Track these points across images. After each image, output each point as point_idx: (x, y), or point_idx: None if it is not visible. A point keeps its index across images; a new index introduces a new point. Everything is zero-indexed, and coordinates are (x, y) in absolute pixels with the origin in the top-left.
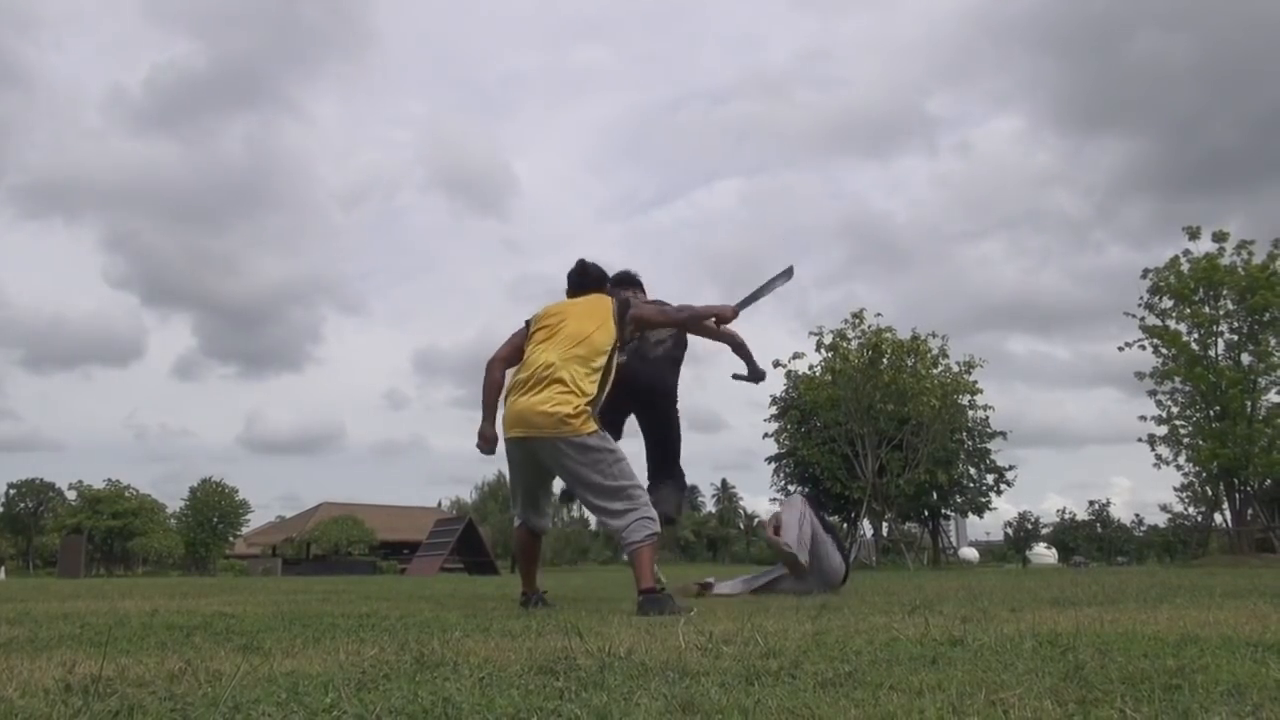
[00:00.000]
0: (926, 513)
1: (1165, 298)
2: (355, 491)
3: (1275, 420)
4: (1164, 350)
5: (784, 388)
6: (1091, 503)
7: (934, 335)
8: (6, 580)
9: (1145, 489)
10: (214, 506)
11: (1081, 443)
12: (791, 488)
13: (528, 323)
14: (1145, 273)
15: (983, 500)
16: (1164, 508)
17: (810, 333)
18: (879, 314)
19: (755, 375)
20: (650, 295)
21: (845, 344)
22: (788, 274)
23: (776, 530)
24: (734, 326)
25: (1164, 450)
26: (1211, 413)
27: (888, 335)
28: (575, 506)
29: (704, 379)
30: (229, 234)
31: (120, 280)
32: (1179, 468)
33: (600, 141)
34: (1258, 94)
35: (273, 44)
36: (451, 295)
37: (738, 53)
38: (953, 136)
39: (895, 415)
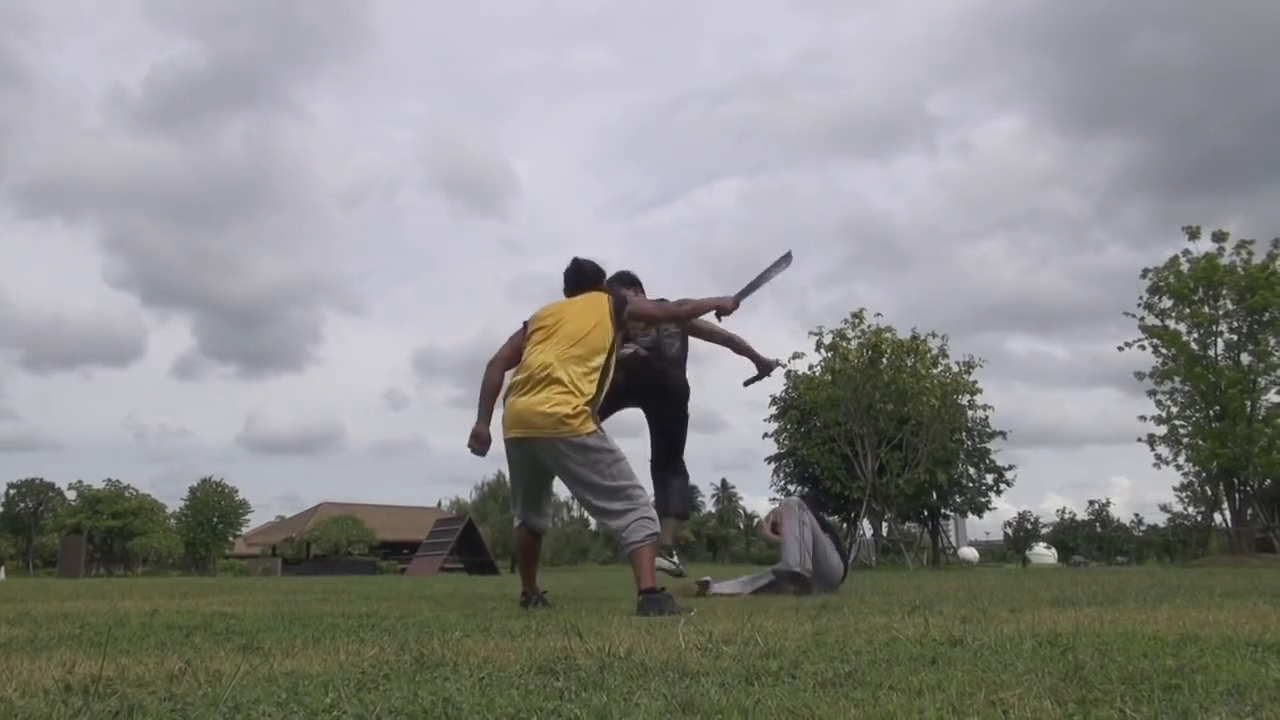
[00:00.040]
0: (926, 513)
1: (1165, 297)
2: (355, 491)
3: (1275, 420)
4: (1164, 350)
5: (784, 388)
6: (1091, 502)
7: (934, 335)
8: (6, 580)
9: (1145, 489)
10: (214, 506)
11: (1081, 443)
12: (791, 488)
13: (525, 324)
14: (1145, 272)
15: (982, 500)
16: (1164, 507)
17: (810, 333)
18: (879, 314)
19: (764, 367)
20: (650, 295)
21: (845, 344)
22: (786, 260)
23: (774, 528)
24: (733, 325)
25: (1164, 450)
26: (1211, 412)
27: (887, 335)
28: (576, 507)
29: (704, 379)
30: (229, 234)
31: (120, 280)
32: (1179, 468)
33: (600, 141)
34: (1258, 94)
35: (272, 44)
36: (451, 295)
37: (737, 53)
38: (953, 136)
39: (895, 415)
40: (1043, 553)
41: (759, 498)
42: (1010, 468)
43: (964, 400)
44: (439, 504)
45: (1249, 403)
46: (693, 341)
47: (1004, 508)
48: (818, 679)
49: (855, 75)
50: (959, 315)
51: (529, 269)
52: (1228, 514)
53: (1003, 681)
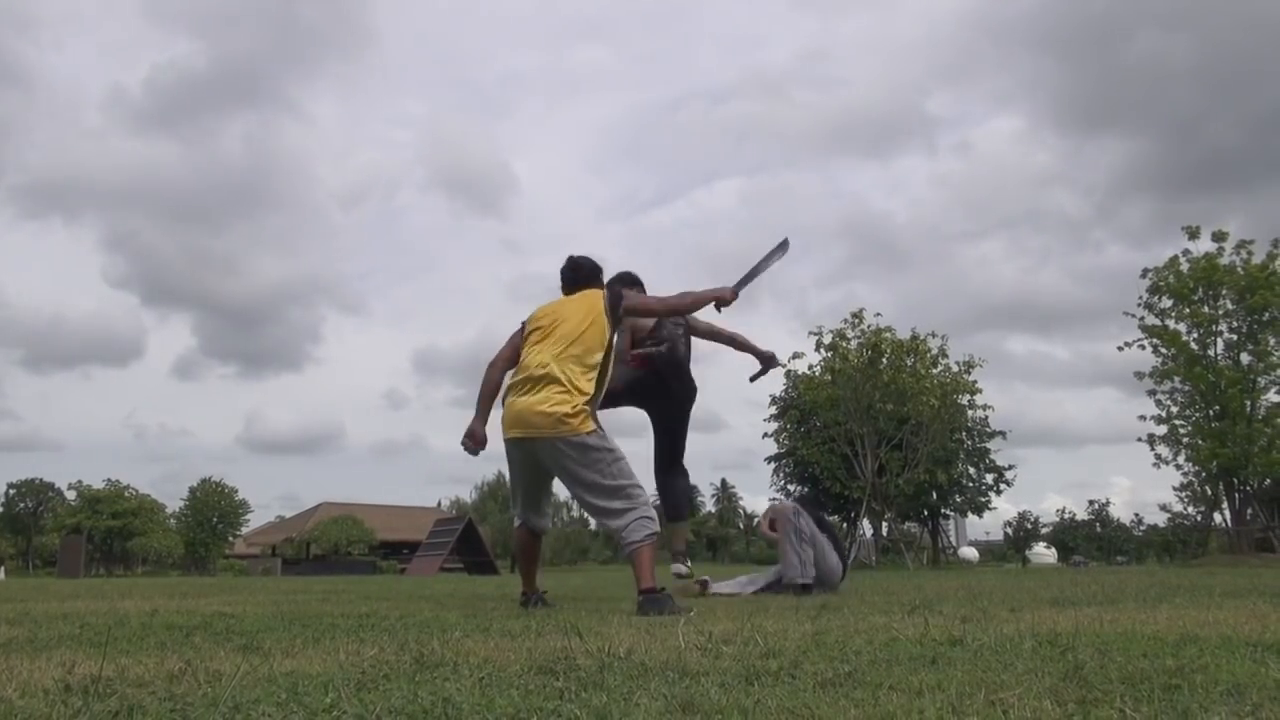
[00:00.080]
0: (926, 512)
1: (1165, 297)
2: (355, 491)
3: (1274, 420)
4: (1163, 350)
5: (784, 387)
6: (1091, 502)
7: (934, 335)
8: (6, 580)
9: (1145, 489)
10: (213, 506)
11: (1081, 442)
12: (791, 488)
13: (524, 324)
14: (1145, 272)
15: (982, 500)
16: (1163, 507)
17: (810, 332)
18: (879, 314)
19: (767, 361)
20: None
21: (845, 344)
22: (783, 248)
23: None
24: (734, 325)
25: (1163, 450)
26: (1211, 412)
27: (887, 335)
28: (575, 507)
29: (703, 378)
30: (229, 234)
31: (120, 280)
32: (1178, 467)
33: (600, 141)
34: (1258, 94)
35: (272, 44)
36: (451, 295)
37: (737, 53)
38: (953, 136)
39: (895, 415)
40: (1042, 552)
41: (759, 498)
42: (1010, 468)
43: (964, 400)
44: (439, 504)
45: (1249, 402)
46: (694, 341)
47: (1004, 508)
48: (818, 679)
49: (855, 75)
50: (959, 315)
51: (529, 269)
52: (1227, 514)
53: (1003, 681)
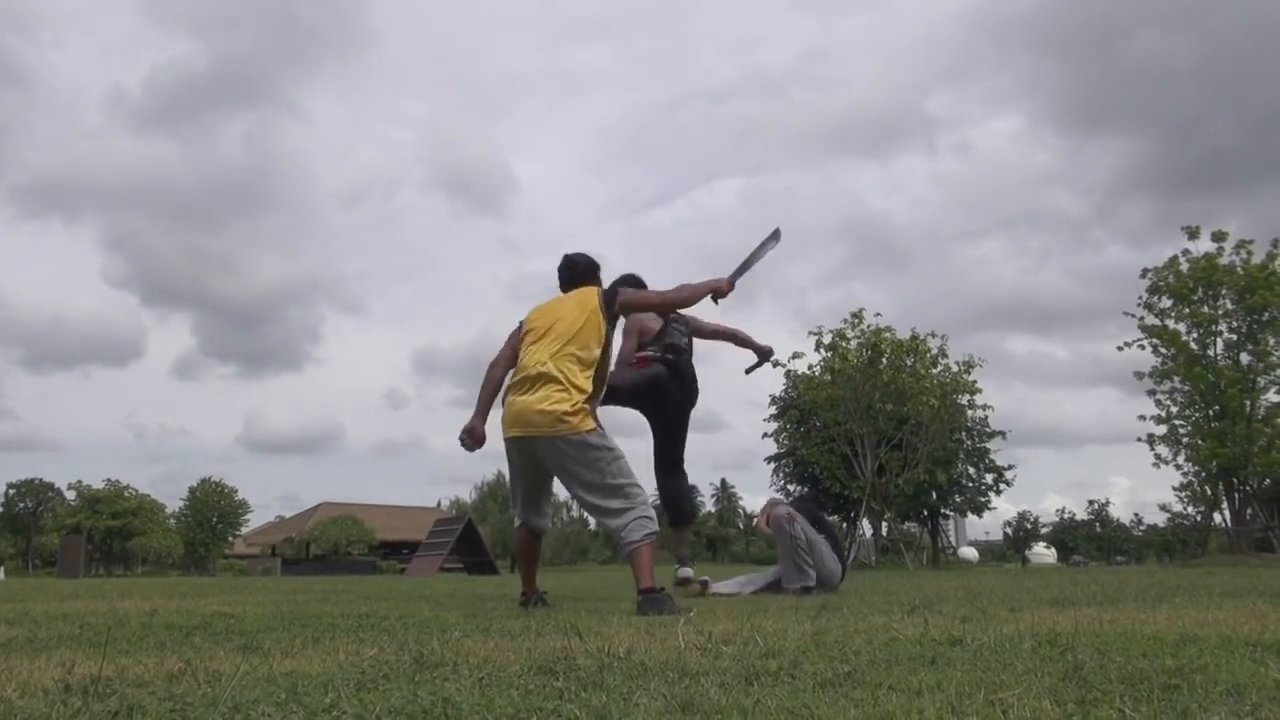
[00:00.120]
0: (926, 512)
1: (1164, 297)
2: (355, 491)
3: (1274, 420)
4: (1163, 350)
5: (783, 387)
6: (1091, 502)
7: (933, 335)
8: (6, 580)
9: (1144, 488)
10: (213, 506)
11: (1081, 442)
12: (791, 488)
13: (521, 324)
14: (1144, 272)
15: (982, 500)
16: (1163, 507)
17: (810, 332)
18: (878, 314)
19: (763, 354)
20: None
21: (844, 344)
22: (775, 237)
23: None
24: (734, 324)
25: (1163, 450)
26: (1210, 412)
27: (887, 335)
28: (575, 507)
29: (703, 379)
30: (228, 234)
31: (120, 280)
32: (1178, 467)
33: (600, 141)
34: (1258, 94)
35: (272, 44)
36: (451, 295)
37: (737, 53)
38: (952, 136)
39: (894, 415)
40: (1042, 552)
41: (759, 498)
42: (1010, 467)
43: (963, 400)
44: (439, 504)
45: (1248, 402)
46: (695, 341)
47: (1004, 508)
48: (817, 679)
49: (855, 75)
50: (959, 315)
51: (529, 269)
52: (1227, 514)
53: (1002, 681)
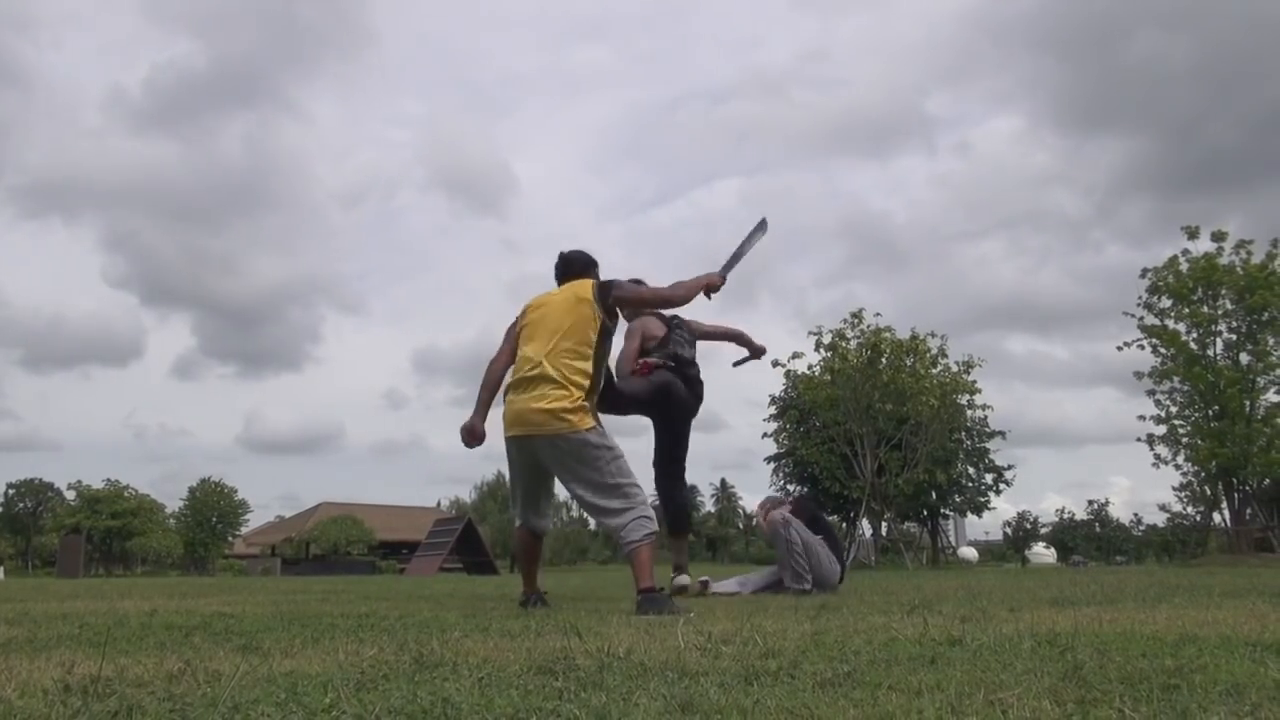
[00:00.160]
0: (925, 512)
1: (1164, 297)
2: (354, 491)
3: (1274, 420)
4: (1163, 350)
5: (783, 387)
6: (1090, 502)
7: (933, 335)
8: (6, 580)
9: (1144, 488)
10: (213, 506)
11: (1080, 442)
12: (791, 488)
13: (516, 320)
14: (1144, 272)
15: (981, 500)
16: (1163, 507)
17: (809, 332)
18: (878, 314)
19: (755, 351)
20: None
21: (844, 344)
22: (762, 227)
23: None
24: (731, 319)
25: (1163, 450)
26: (1210, 412)
27: (887, 335)
28: (575, 507)
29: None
30: (228, 234)
31: (119, 280)
32: (1178, 467)
33: (600, 141)
34: (1258, 94)
35: (271, 44)
36: (450, 295)
37: (737, 53)
38: (952, 136)
39: (894, 415)
40: (1042, 552)
41: (758, 498)
42: (1009, 467)
43: (963, 400)
44: (438, 504)
45: (1248, 402)
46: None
47: (1003, 507)
48: (817, 679)
49: (855, 75)
50: (958, 315)
51: (528, 269)
52: (1226, 513)
53: (1002, 681)
